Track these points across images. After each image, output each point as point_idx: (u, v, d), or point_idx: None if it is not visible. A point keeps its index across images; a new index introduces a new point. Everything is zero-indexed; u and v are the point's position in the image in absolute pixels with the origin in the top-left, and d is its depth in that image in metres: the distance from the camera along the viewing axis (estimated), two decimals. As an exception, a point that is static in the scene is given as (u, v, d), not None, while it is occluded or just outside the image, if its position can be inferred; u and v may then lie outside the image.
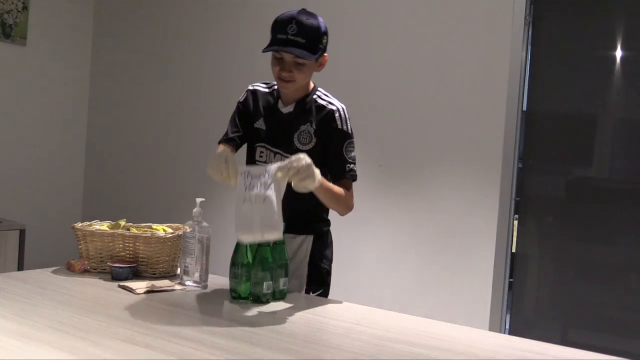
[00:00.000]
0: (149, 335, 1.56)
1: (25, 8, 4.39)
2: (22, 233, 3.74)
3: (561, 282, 3.17)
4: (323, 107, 2.16)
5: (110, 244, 2.20)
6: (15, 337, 1.48)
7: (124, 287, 2.02)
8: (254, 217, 1.75)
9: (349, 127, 2.15)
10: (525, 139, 3.20)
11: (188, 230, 2.07)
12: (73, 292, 1.97)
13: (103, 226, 2.29)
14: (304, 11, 2.07)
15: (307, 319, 1.85)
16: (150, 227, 2.32)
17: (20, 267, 3.68)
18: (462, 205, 3.28)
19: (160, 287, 2.03)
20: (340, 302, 2.07)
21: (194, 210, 2.10)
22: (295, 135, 2.16)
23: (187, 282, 2.08)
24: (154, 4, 4.56)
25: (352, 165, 2.14)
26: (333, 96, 2.20)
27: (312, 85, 2.21)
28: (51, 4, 4.58)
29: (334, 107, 2.15)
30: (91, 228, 2.24)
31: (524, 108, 3.19)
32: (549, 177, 3.23)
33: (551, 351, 1.69)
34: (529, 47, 3.18)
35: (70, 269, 2.21)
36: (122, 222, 2.32)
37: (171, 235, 2.21)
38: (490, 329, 3.14)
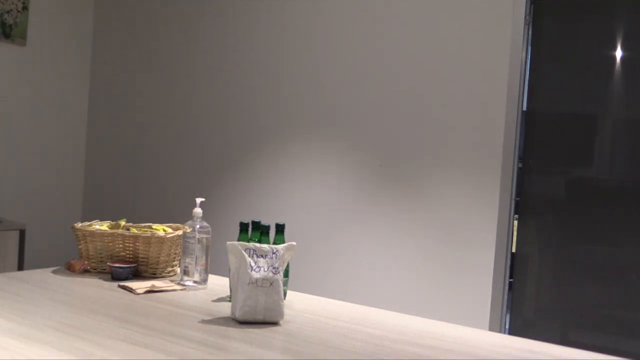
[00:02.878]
0: (149, 335, 1.56)
1: (25, 8, 4.39)
2: (22, 233, 3.74)
3: (561, 282, 3.17)
4: None
5: (110, 244, 2.20)
6: (16, 337, 1.48)
7: (124, 287, 2.02)
8: (258, 300, 1.72)
9: None
10: (525, 139, 3.20)
11: (188, 230, 2.07)
12: (73, 292, 1.97)
13: (103, 226, 2.29)
14: None
15: (307, 319, 1.85)
16: (150, 227, 2.32)
17: (20, 267, 3.68)
18: (462, 205, 3.28)
19: (160, 287, 2.04)
20: (340, 302, 2.07)
21: (194, 210, 2.10)
22: None
23: (187, 282, 2.08)
24: (155, 4, 4.56)
25: None
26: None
27: None
28: (51, 4, 4.58)
29: None
30: (91, 228, 2.23)
31: (524, 108, 3.19)
32: (549, 177, 3.23)
33: (551, 351, 1.70)
34: (529, 47, 3.18)
35: (70, 269, 2.21)
36: (122, 222, 2.32)
37: (171, 235, 2.21)
38: (490, 329, 3.14)
